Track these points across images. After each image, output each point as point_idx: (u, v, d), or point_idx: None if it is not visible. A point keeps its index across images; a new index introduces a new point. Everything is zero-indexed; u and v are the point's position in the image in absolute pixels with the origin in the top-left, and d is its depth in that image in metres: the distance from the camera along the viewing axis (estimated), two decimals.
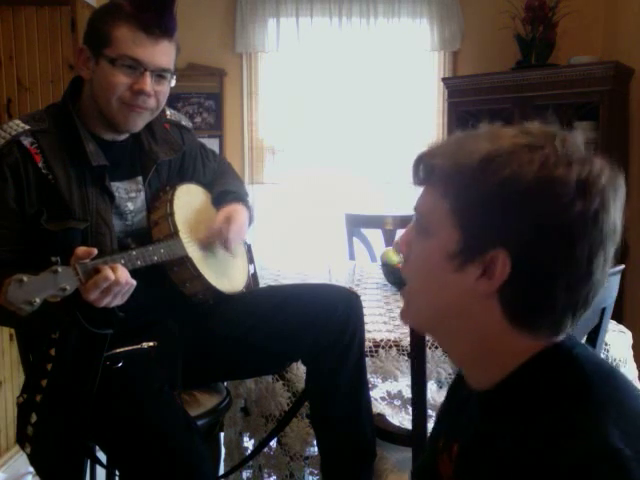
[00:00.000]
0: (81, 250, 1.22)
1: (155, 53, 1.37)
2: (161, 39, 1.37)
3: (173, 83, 1.45)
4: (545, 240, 0.66)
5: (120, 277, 1.23)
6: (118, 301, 1.26)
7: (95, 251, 1.23)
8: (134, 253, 1.34)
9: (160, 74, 1.40)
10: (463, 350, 0.76)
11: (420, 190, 0.77)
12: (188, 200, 1.58)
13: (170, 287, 1.49)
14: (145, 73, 1.37)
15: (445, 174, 0.70)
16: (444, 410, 0.94)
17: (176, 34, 1.42)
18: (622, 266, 1.35)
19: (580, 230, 0.66)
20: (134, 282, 1.27)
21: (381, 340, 1.66)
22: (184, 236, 1.49)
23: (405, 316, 0.81)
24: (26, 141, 1.36)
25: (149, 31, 1.35)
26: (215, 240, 1.55)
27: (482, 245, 0.68)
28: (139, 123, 1.44)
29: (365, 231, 3.23)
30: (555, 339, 0.71)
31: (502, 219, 0.67)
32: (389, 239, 3.09)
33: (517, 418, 0.68)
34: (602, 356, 1.58)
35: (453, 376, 1.60)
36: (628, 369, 1.73)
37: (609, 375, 0.70)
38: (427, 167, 0.73)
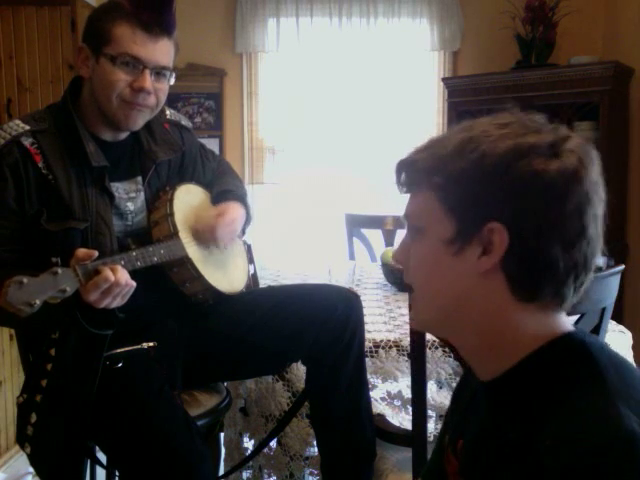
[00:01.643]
0: (82, 252, 1.22)
1: (155, 51, 1.37)
2: (160, 37, 1.38)
3: (172, 81, 1.45)
4: (532, 204, 0.68)
5: (120, 278, 1.23)
6: (118, 302, 1.26)
7: (96, 253, 1.23)
8: (134, 254, 1.34)
9: (159, 72, 1.40)
10: (473, 340, 0.76)
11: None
12: (188, 200, 1.58)
13: (170, 287, 1.49)
14: (145, 71, 1.37)
15: (426, 168, 0.73)
16: (450, 411, 0.94)
17: (175, 33, 1.42)
18: (622, 266, 1.35)
19: (564, 188, 0.68)
20: (134, 283, 1.27)
21: (381, 340, 1.66)
22: (184, 236, 1.49)
23: (414, 320, 0.83)
24: (26, 141, 1.36)
25: (149, 29, 1.36)
26: (206, 234, 1.54)
27: (475, 223, 0.70)
28: (139, 121, 1.44)
29: (365, 231, 3.23)
30: (561, 311, 0.73)
31: (487, 193, 0.69)
32: (389, 239, 3.09)
33: (529, 404, 0.69)
34: None
35: (453, 376, 1.61)
36: None
37: (620, 363, 0.71)
38: (409, 169, 0.76)
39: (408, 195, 0.79)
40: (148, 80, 1.37)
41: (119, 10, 1.36)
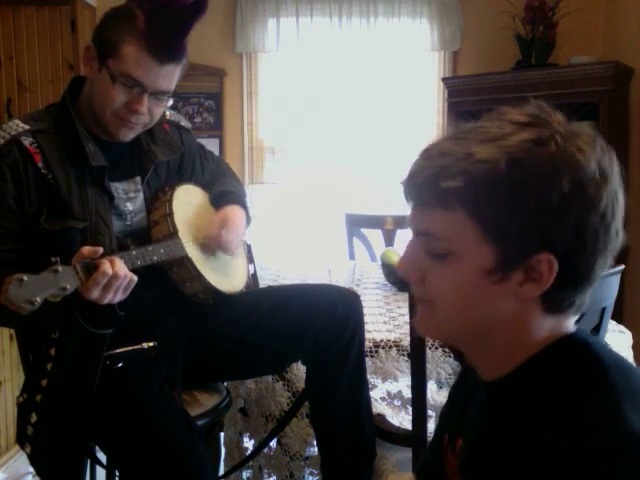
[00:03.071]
0: (87, 249, 1.22)
1: (158, 77, 1.35)
2: (167, 63, 1.35)
3: (170, 103, 1.45)
4: (587, 237, 0.66)
5: (119, 270, 1.23)
6: (120, 296, 1.26)
7: (100, 250, 1.23)
8: (134, 253, 1.34)
9: (158, 96, 1.39)
10: (487, 347, 0.74)
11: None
12: (187, 200, 1.58)
13: (170, 287, 1.49)
14: (143, 94, 1.36)
15: (462, 192, 0.67)
16: (447, 409, 0.94)
17: (185, 57, 1.39)
18: (622, 266, 1.35)
19: (612, 215, 0.67)
20: (135, 277, 1.27)
21: (381, 340, 1.66)
22: (183, 236, 1.49)
23: (426, 330, 0.79)
24: (26, 141, 1.36)
25: (156, 55, 1.33)
26: (215, 247, 1.56)
27: (522, 253, 0.67)
28: (130, 135, 1.44)
29: (365, 231, 3.22)
30: (574, 317, 0.73)
31: (540, 225, 0.66)
32: (389, 239, 3.09)
33: (534, 404, 0.68)
34: None
35: (453, 376, 1.61)
36: None
37: (622, 363, 0.71)
38: (435, 189, 0.68)
39: (418, 210, 0.72)
40: (144, 104, 1.36)
41: (132, 25, 1.33)
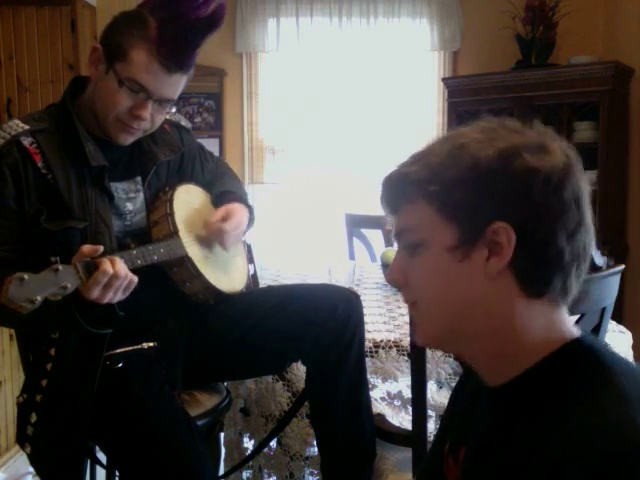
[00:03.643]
0: (87, 248, 1.22)
1: (164, 84, 1.36)
2: (175, 73, 1.36)
3: (173, 110, 1.45)
4: (533, 198, 0.69)
5: (119, 270, 1.23)
6: (120, 296, 1.26)
7: (101, 248, 1.23)
8: (134, 252, 1.34)
9: (162, 103, 1.40)
10: (483, 346, 0.75)
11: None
12: (187, 200, 1.58)
13: (170, 287, 1.49)
14: (148, 100, 1.36)
15: (420, 179, 0.74)
16: (448, 416, 0.93)
17: (193, 67, 1.40)
18: (622, 266, 1.35)
19: (559, 180, 0.70)
20: (135, 277, 1.27)
21: (381, 340, 1.66)
22: (184, 236, 1.49)
23: (420, 335, 0.80)
24: (26, 141, 1.36)
25: (165, 64, 1.33)
26: (212, 237, 1.55)
27: (477, 226, 0.71)
28: (130, 139, 1.44)
29: (365, 231, 3.23)
30: (565, 305, 0.74)
31: (486, 195, 0.70)
32: (389, 239, 3.09)
33: (541, 411, 0.68)
34: None
35: (453, 376, 1.61)
36: None
37: (631, 369, 0.70)
38: (400, 183, 0.76)
39: (394, 215, 0.79)
40: (148, 110, 1.37)
41: (143, 32, 1.33)
